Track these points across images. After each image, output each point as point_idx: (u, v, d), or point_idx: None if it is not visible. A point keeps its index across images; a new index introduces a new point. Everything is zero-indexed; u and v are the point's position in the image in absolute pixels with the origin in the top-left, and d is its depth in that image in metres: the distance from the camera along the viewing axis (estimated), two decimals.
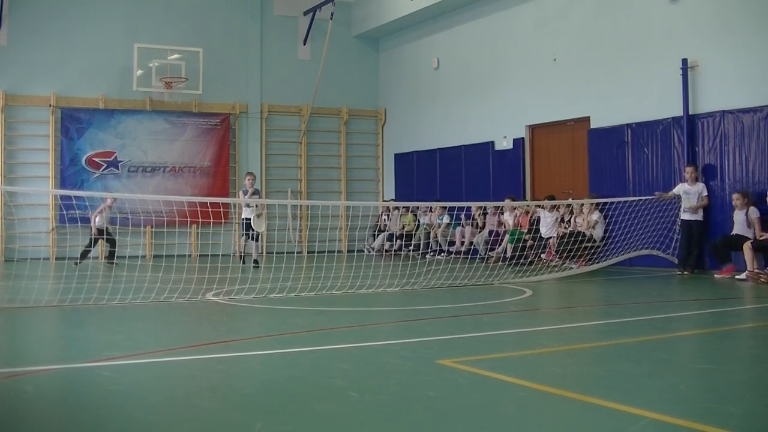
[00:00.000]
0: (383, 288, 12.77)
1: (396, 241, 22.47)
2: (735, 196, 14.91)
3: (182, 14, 23.35)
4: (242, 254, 18.10)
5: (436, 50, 23.75)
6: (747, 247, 14.09)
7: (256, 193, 18.28)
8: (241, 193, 18.53)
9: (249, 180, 17.94)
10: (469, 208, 20.30)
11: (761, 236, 14.19)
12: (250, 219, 17.42)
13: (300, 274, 13.34)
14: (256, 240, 18.06)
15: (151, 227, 21.40)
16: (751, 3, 15.26)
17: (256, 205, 17.56)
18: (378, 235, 23.55)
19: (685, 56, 16.11)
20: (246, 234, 17.76)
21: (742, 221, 14.73)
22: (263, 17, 24.55)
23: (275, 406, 5.26)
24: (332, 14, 23.40)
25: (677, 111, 16.30)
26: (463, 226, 20.66)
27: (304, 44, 24.91)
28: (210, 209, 17.21)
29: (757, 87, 14.99)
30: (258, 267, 16.91)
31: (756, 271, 13.77)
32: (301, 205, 23.92)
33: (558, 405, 5.28)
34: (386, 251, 22.42)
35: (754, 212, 14.64)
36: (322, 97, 24.72)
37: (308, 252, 23.06)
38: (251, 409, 5.16)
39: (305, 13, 24.63)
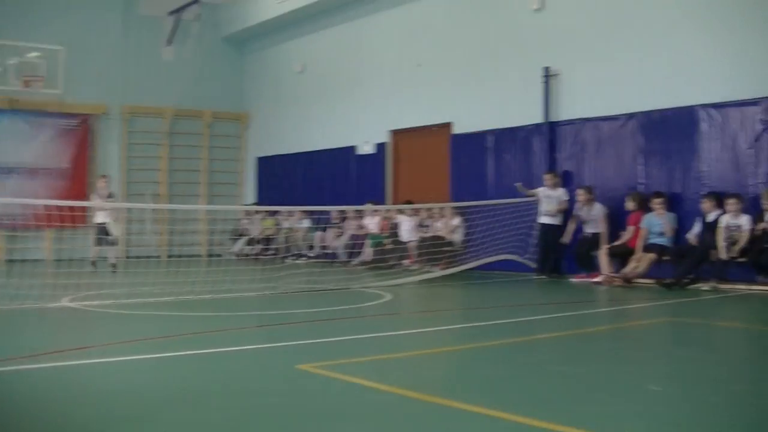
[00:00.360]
0: (242, 292, 12.55)
1: (256, 245, 22.25)
2: (579, 192, 15.25)
3: (43, 11, 22.23)
4: (95, 259, 17.44)
5: (301, 54, 23.64)
6: (603, 252, 14.46)
7: (110, 196, 17.66)
8: (95, 196, 17.93)
9: (103, 183, 17.44)
10: (330, 212, 20.23)
11: (618, 242, 14.61)
12: (105, 223, 16.92)
13: (158, 279, 13.04)
14: (113, 244, 17.51)
15: (5, 230, 20.62)
16: (610, 15, 15.68)
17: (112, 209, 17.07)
18: (239, 239, 23.24)
19: (547, 64, 16.45)
20: (100, 238, 17.16)
21: (588, 219, 15.13)
22: (127, 17, 23.84)
23: (130, 414, 5.04)
24: (198, 15, 23.05)
25: (538, 118, 16.62)
26: (323, 230, 20.62)
27: (169, 45, 24.28)
28: (67, 213, 16.64)
29: (616, 96, 15.39)
30: (115, 272, 16.51)
31: (611, 274, 14.14)
32: (161, 209, 23.37)
33: (418, 409, 5.23)
34: (246, 255, 22.19)
35: (601, 209, 15.02)
36: (186, 99, 24.32)
37: (168, 256, 22.65)
38: (103, 417, 4.96)
39: (170, 14, 24.05)
